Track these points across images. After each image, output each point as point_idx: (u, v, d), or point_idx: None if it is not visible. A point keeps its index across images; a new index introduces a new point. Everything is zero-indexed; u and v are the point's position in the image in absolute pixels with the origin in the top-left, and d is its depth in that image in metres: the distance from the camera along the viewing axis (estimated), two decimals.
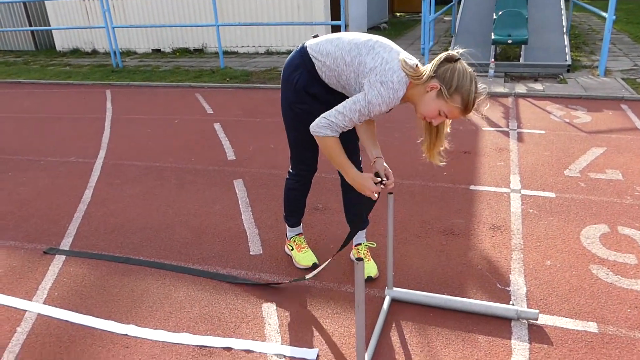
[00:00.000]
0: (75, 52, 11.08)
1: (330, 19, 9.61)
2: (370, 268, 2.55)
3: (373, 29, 12.44)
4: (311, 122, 2.02)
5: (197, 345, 2.14)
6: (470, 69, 1.88)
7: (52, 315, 2.37)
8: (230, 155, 4.37)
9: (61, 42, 11.27)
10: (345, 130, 2.01)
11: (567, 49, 7.34)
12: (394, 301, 2.34)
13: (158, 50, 10.60)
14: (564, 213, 3.08)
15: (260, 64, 8.65)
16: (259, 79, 7.45)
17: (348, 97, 2.03)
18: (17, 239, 3.10)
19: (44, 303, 2.47)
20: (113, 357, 2.09)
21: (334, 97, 2.17)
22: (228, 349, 2.11)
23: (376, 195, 2.04)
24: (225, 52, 10.00)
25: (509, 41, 7.19)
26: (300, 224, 2.73)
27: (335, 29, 10.54)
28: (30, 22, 11.71)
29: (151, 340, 2.18)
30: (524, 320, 2.17)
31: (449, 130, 2.07)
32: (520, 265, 2.58)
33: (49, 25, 11.28)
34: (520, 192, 3.39)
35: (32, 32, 11.79)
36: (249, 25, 9.40)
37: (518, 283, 2.44)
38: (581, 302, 2.28)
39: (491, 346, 2.05)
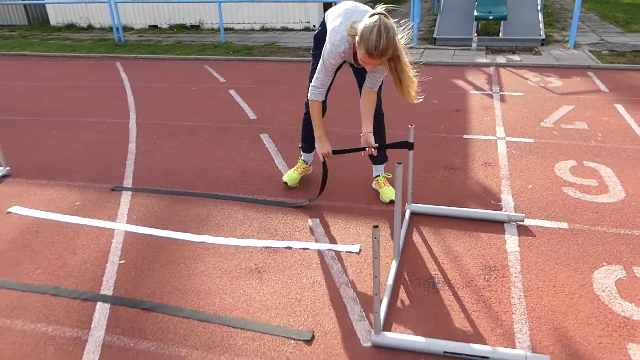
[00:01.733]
0: (71, 27, 11.30)
1: None
2: (390, 193, 3.18)
3: None
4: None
5: (263, 247, 2.74)
6: (385, 23, 2.26)
7: (136, 231, 2.94)
8: (252, 115, 4.92)
9: (55, 17, 11.46)
10: (325, 88, 2.72)
11: (541, 25, 8.04)
12: (413, 214, 2.99)
13: (155, 26, 10.91)
14: (541, 153, 3.77)
15: (259, 40, 9.12)
16: (261, 52, 7.94)
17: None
18: (83, 180, 3.63)
19: (127, 223, 3.03)
20: (197, 255, 2.68)
21: None
22: (288, 248, 2.72)
23: (322, 159, 2.84)
24: (225, 29, 10.39)
25: (490, 17, 7.84)
26: (311, 152, 3.33)
27: (328, 5, 11.02)
28: None
29: (225, 244, 2.78)
30: (514, 223, 2.84)
31: (411, 75, 2.46)
32: (508, 189, 3.25)
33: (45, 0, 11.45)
34: (505, 139, 4.06)
35: (24, 6, 11.91)
36: (247, 2, 9.80)
37: (507, 200, 3.11)
38: (556, 210, 2.96)
39: (490, 239, 2.71)
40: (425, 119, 4.63)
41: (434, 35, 8.23)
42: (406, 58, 2.45)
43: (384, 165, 3.29)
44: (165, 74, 6.78)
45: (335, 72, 2.81)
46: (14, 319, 2.25)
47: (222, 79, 6.39)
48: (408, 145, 2.70)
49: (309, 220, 3.00)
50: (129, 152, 4.12)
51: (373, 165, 3.28)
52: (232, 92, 5.78)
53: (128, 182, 3.59)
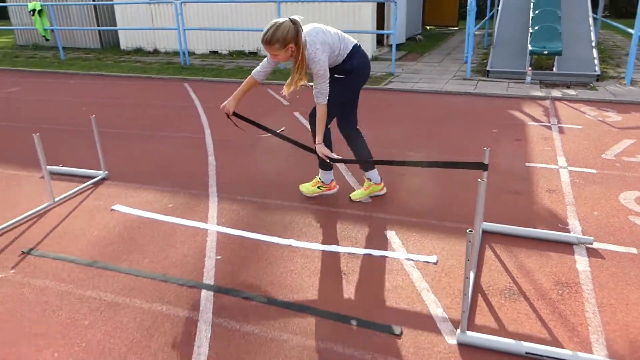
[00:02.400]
0: (139, 51, 12.09)
1: (376, 28, 10.50)
2: (358, 194, 3.67)
3: (409, 40, 13.33)
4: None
5: (345, 252, 2.98)
6: (282, 23, 2.94)
7: (228, 232, 3.23)
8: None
9: (125, 41, 12.30)
10: (327, 91, 3.15)
11: (596, 61, 8.15)
12: (484, 232, 3.17)
13: (215, 52, 11.56)
14: (605, 183, 3.89)
15: None
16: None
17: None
18: (172, 186, 3.98)
19: (218, 225, 3.33)
20: (286, 256, 2.94)
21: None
22: (369, 255, 2.95)
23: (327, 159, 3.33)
24: None
25: (545, 52, 8.02)
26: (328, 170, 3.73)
27: (380, 37, 11.44)
28: (98, 22, 12.78)
29: (309, 248, 3.03)
30: (582, 245, 2.99)
31: (298, 75, 3.12)
32: (574, 214, 3.39)
33: (116, 26, 12.31)
34: (567, 168, 4.21)
35: (99, 31, 12.85)
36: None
37: (574, 224, 3.26)
38: (624, 236, 3.09)
39: (561, 258, 2.87)
40: (487, 145, 4.82)
41: (487, 68, 8.45)
42: (310, 60, 3.03)
43: (371, 171, 3.65)
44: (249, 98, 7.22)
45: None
46: (132, 297, 2.55)
47: (285, 102, 6.77)
48: (483, 167, 2.91)
49: (386, 232, 3.22)
50: (209, 164, 4.47)
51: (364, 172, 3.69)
52: (296, 114, 6.13)
53: (212, 190, 3.92)
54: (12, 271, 2.80)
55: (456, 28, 17.51)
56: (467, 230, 2.00)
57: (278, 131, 3.45)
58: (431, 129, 5.48)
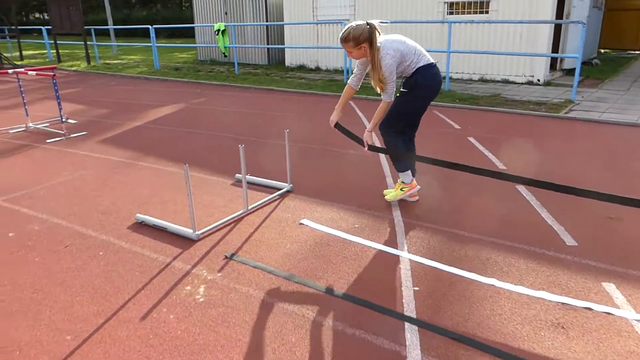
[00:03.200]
0: (302, 68, 12.75)
1: (551, 51, 9.73)
2: (392, 194, 3.93)
3: (585, 64, 12.14)
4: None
5: (559, 302, 2.63)
6: (359, 24, 3.35)
7: (421, 262, 3.07)
8: (499, 164, 4.88)
9: (290, 59, 13.07)
10: (391, 91, 3.50)
11: None
12: None
13: None
14: None
15: (480, 90, 9.12)
16: (487, 103, 7.91)
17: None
18: (354, 205, 3.95)
19: (409, 252, 3.19)
20: (490, 297, 2.68)
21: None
22: (589, 309, 2.57)
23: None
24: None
25: None
26: (406, 170, 3.93)
27: (554, 61, 10.59)
28: (268, 41, 13.80)
29: (516, 292, 2.74)
30: None
31: (378, 74, 3.42)
32: None
33: (283, 44, 13.15)
34: None
35: (267, 49, 13.86)
36: (469, 54, 9.92)
37: None
38: None
39: None
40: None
41: None
42: (381, 61, 3.37)
43: (404, 173, 3.84)
44: None
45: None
46: (334, 319, 2.50)
47: (456, 126, 6.49)
48: None
49: (603, 283, 2.80)
50: (389, 185, 4.38)
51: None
52: (471, 139, 5.82)
53: (396, 213, 3.81)
54: (219, 274, 2.95)
55: (638, 52, 15.58)
56: None
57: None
58: (625, 165, 4.79)
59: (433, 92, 3.61)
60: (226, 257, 3.15)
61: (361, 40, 3.33)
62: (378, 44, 3.36)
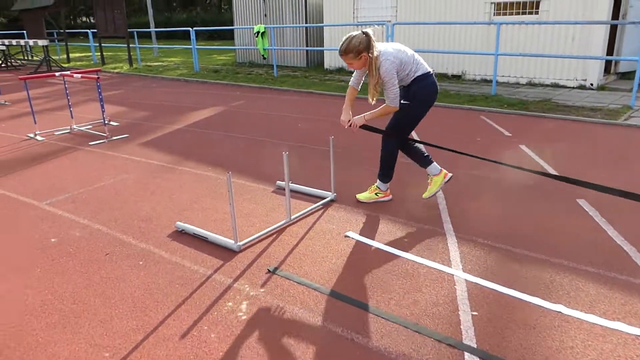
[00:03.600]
0: (340, 70, 12.58)
1: (606, 54, 9.22)
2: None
3: None
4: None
5: (637, 335, 2.35)
6: (356, 35, 3.37)
7: (478, 283, 2.83)
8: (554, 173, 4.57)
9: (329, 61, 12.92)
10: (394, 95, 3.50)
11: None
12: None
13: None
14: None
15: (530, 94, 8.72)
16: (537, 108, 7.53)
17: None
18: (401, 217, 3.74)
19: (464, 272, 2.96)
20: (558, 326, 2.42)
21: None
22: None
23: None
24: (484, 80, 10.31)
25: None
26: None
27: (608, 64, 10.04)
28: (307, 43, 13.70)
29: (587, 321, 2.47)
30: None
31: (374, 84, 3.53)
32: None
33: (322, 46, 13.01)
34: None
35: (306, 51, 13.77)
36: (518, 57, 9.52)
37: None
38: None
39: None
40: None
41: None
42: (380, 67, 3.40)
43: (385, 183, 4.00)
44: (444, 120, 6.88)
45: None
46: (386, 346, 2.31)
47: (506, 133, 6.17)
48: None
49: None
50: (437, 196, 4.15)
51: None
52: (523, 147, 5.50)
53: (448, 227, 3.57)
54: (262, 290, 2.80)
55: None
56: None
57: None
58: None
59: (432, 100, 3.68)
60: (269, 271, 3.00)
61: (361, 49, 3.35)
62: (376, 52, 3.39)
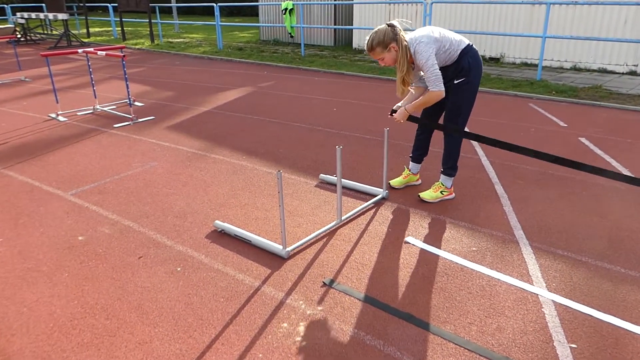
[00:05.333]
0: None
1: None
2: (427, 195, 3.63)
3: None
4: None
5: None
6: (380, 29, 3.14)
7: (569, 306, 2.44)
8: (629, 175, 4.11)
9: (358, 40, 12.37)
10: (437, 76, 3.14)
11: None
12: None
13: None
14: None
15: (577, 80, 8.15)
16: (588, 96, 6.99)
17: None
18: (466, 221, 3.34)
19: (550, 291, 2.56)
20: None
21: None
22: None
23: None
24: (524, 64, 9.73)
25: None
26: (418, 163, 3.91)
27: None
28: (335, 21, 13.14)
29: None
30: None
31: (400, 74, 3.25)
32: None
33: (351, 25, 12.45)
34: None
35: (334, 30, 13.21)
36: (563, 39, 8.90)
37: None
38: None
39: None
40: None
41: None
42: (415, 54, 3.12)
43: (450, 178, 3.62)
44: (491, 108, 6.40)
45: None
46: None
47: (561, 123, 5.69)
48: None
49: None
50: (500, 196, 3.73)
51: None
52: (584, 140, 5.03)
53: (519, 233, 3.17)
54: (319, 308, 2.44)
55: None
56: None
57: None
58: None
59: (481, 73, 3.39)
60: (324, 284, 2.64)
61: (387, 41, 3.13)
62: (405, 42, 3.14)
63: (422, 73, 3.28)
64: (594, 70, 8.99)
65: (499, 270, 2.76)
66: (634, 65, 8.63)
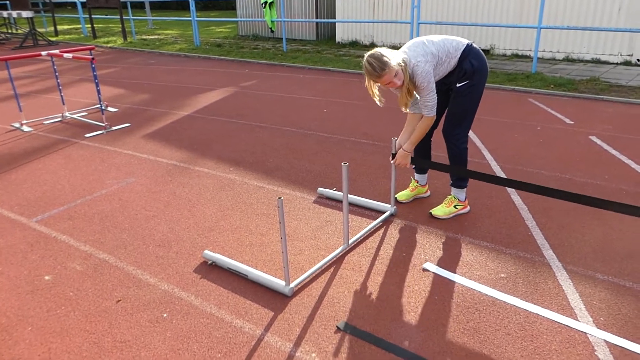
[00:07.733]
0: (355, 44, 11.62)
1: None
2: (438, 210, 3.28)
3: None
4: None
5: None
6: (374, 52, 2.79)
7: (625, 347, 2.10)
8: None
9: (341, 34, 11.94)
10: (433, 103, 2.92)
11: None
12: None
13: None
14: None
15: (572, 72, 7.88)
16: (588, 89, 6.72)
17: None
18: (488, 240, 2.99)
19: (599, 328, 2.22)
20: None
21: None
22: None
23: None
24: (515, 55, 9.45)
25: None
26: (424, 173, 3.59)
27: None
28: (317, 14, 12.66)
29: None
30: None
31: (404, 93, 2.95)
32: None
33: (334, 18, 12.00)
34: None
35: (316, 23, 12.74)
36: (556, 29, 8.63)
37: None
38: None
39: None
40: None
41: None
42: (414, 76, 2.85)
43: (462, 189, 3.28)
44: (490, 105, 6.06)
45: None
46: None
47: (567, 120, 5.38)
48: None
49: None
50: (519, 208, 3.39)
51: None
52: (594, 139, 4.72)
53: (549, 254, 2.82)
54: None
55: None
56: None
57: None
58: None
59: (487, 71, 3.09)
60: (338, 328, 2.25)
61: (392, 62, 2.74)
62: (401, 62, 2.81)
63: (417, 96, 2.97)
64: (588, 61, 8.75)
65: (535, 302, 2.40)
66: (629, 55, 8.41)
